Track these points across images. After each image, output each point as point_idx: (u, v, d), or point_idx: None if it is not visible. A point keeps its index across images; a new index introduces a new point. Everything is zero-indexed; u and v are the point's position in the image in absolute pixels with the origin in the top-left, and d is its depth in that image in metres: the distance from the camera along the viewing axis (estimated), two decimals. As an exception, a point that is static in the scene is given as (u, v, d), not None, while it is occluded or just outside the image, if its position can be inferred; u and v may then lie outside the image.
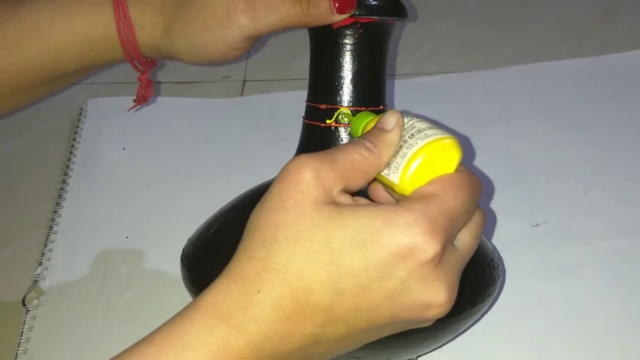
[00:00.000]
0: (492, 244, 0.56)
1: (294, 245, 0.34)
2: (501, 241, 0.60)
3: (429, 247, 0.33)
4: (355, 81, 0.48)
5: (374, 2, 0.46)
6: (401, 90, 0.75)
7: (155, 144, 0.73)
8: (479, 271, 0.48)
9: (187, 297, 0.50)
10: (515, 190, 0.65)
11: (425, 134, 0.36)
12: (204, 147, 0.72)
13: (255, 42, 0.49)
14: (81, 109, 0.77)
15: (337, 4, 0.45)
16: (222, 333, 0.34)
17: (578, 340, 0.55)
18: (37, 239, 0.66)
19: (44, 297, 0.61)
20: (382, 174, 0.37)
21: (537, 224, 0.62)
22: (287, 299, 0.34)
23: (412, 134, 0.37)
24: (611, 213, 0.62)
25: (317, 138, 0.49)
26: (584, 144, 0.68)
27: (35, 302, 0.61)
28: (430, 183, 0.36)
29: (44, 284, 0.62)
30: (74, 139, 0.74)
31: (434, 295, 0.34)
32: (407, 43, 0.79)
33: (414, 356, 0.53)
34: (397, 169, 0.36)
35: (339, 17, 0.46)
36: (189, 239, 0.52)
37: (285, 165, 0.35)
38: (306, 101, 0.50)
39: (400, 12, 0.48)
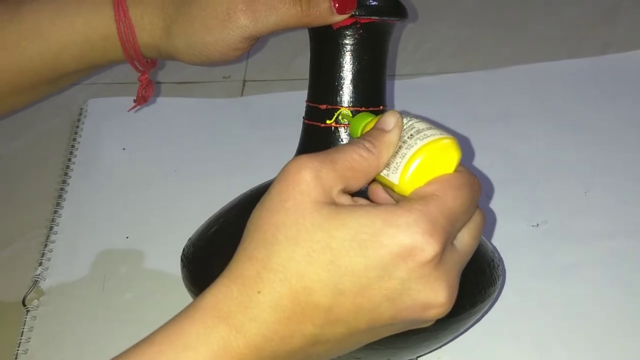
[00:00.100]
0: (492, 244, 0.56)
1: (294, 246, 0.34)
2: (501, 241, 0.60)
3: (429, 247, 0.33)
4: (355, 81, 0.48)
5: (374, 3, 0.46)
6: (401, 90, 0.75)
7: (155, 144, 0.73)
8: (479, 271, 0.48)
9: (187, 297, 0.50)
10: (515, 190, 0.65)
11: (424, 135, 0.36)
12: (204, 147, 0.72)
13: (256, 43, 0.49)
14: (81, 109, 0.77)
15: (337, 5, 0.45)
16: (222, 333, 0.34)
17: (578, 340, 0.55)
18: (37, 239, 0.66)
19: (44, 297, 0.61)
20: (382, 174, 0.37)
21: (537, 224, 0.62)
22: (287, 299, 0.34)
23: (411, 135, 0.37)
24: (611, 213, 0.62)
25: (317, 138, 0.49)
26: (584, 144, 0.68)
27: (35, 302, 0.61)
28: (429, 183, 0.36)
29: (44, 284, 0.62)
30: (74, 139, 0.74)
31: (434, 296, 0.34)
32: (407, 43, 0.79)
33: (414, 356, 0.53)
34: (397, 170, 0.36)
35: (339, 18, 0.46)
36: (189, 239, 0.52)
37: (285, 166, 0.35)
38: (306, 101, 0.50)
39: (400, 12, 0.48)
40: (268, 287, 0.34)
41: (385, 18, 0.47)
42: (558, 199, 0.64)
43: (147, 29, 0.48)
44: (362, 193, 0.38)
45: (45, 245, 0.65)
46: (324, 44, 0.48)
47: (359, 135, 0.40)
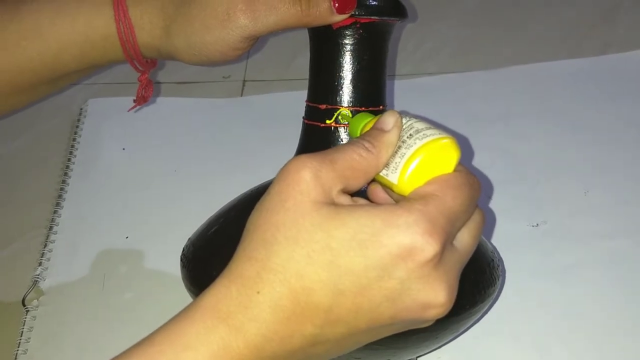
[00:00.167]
0: (492, 244, 0.56)
1: (293, 246, 0.34)
2: (501, 241, 0.60)
3: (429, 247, 0.33)
4: (355, 81, 0.48)
5: (374, 2, 0.46)
6: (401, 90, 0.75)
7: (155, 144, 0.73)
8: (479, 271, 0.48)
9: (187, 297, 0.50)
10: (515, 190, 0.65)
11: (423, 134, 0.36)
12: (204, 147, 0.72)
13: (255, 42, 0.49)
14: (81, 109, 0.77)
15: (337, 4, 0.45)
16: (222, 334, 0.34)
17: (578, 340, 0.55)
18: (37, 239, 0.66)
19: (43, 297, 0.61)
20: (381, 174, 0.37)
21: (537, 224, 0.62)
22: (287, 299, 0.34)
23: (410, 134, 0.37)
24: (611, 213, 0.62)
25: (317, 138, 0.49)
26: (584, 144, 0.68)
27: (35, 302, 0.61)
28: (429, 183, 0.36)
29: (44, 284, 0.62)
30: (74, 139, 0.74)
31: (434, 295, 0.34)
32: (407, 43, 0.79)
33: (414, 356, 0.53)
34: (396, 169, 0.36)
35: (339, 17, 0.46)
36: (189, 238, 0.52)
37: (285, 166, 0.35)
38: (306, 101, 0.50)
39: (400, 12, 0.48)
40: (268, 287, 0.34)
41: (385, 18, 0.47)
42: (558, 199, 0.64)
43: (147, 28, 0.48)
44: (361, 193, 0.38)
45: (45, 245, 0.65)
46: (323, 44, 0.48)
47: (358, 135, 0.40)
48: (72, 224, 0.66)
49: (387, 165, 0.37)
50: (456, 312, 0.45)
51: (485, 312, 0.53)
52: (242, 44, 0.48)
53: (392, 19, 0.48)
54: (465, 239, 0.37)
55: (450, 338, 0.51)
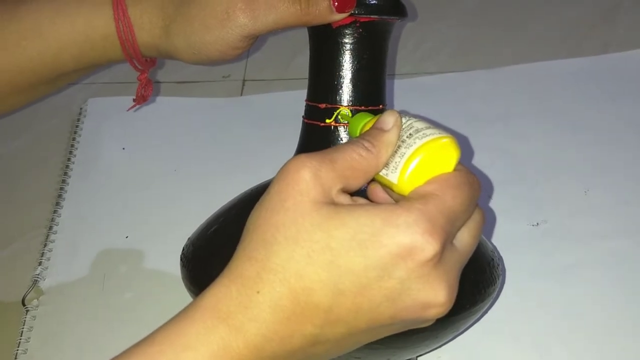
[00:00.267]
0: (492, 243, 0.56)
1: (293, 246, 0.34)
2: (501, 241, 0.60)
3: (429, 247, 0.33)
4: (354, 80, 0.48)
5: (374, 1, 0.46)
6: (401, 89, 0.74)
7: (155, 144, 0.73)
8: (479, 270, 0.48)
9: (187, 297, 0.50)
10: (515, 190, 0.65)
11: (423, 134, 0.36)
12: (204, 146, 0.72)
13: (255, 41, 0.49)
14: (81, 108, 0.77)
15: (336, 3, 0.45)
16: (222, 334, 0.34)
17: (578, 340, 0.55)
18: (37, 239, 0.66)
19: (43, 297, 0.61)
20: (381, 173, 0.37)
21: (537, 224, 0.62)
22: (287, 299, 0.34)
23: (410, 134, 0.37)
24: (611, 213, 0.62)
25: (316, 137, 0.48)
26: (584, 144, 0.68)
27: (35, 302, 0.61)
28: (428, 182, 0.36)
29: (43, 284, 0.62)
30: (74, 139, 0.74)
31: (434, 295, 0.34)
32: (407, 42, 0.79)
33: (414, 356, 0.53)
34: (396, 169, 0.36)
35: (339, 16, 0.46)
36: (189, 238, 0.52)
37: (284, 165, 0.35)
38: (306, 100, 0.50)
39: (399, 11, 0.48)
40: (268, 287, 0.34)
41: (385, 17, 0.47)
42: (558, 199, 0.64)
43: (146, 28, 0.48)
44: (361, 193, 0.38)
45: (45, 245, 0.65)
46: (323, 43, 0.48)
47: (357, 135, 0.40)
48: (72, 224, 0.66)
49: (386, 164, 0.37)
50: (456, 312, 0.45)
51: (485, 312, 0.53)
52: (242, 43, 0.48)
53: (391, 18, 0.48)
54: (465, 239, 0.37)
55: (450, 337, 0.51)
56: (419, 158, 0.36)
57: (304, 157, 0.35)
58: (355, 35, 0.47)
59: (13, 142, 0.75)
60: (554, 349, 0.54)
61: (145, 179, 0.69)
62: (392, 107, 0.69)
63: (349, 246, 0.33)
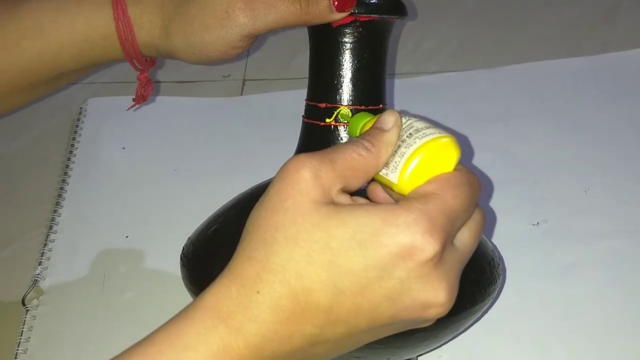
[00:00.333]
0: (492, 243, 0.56)
1: (293, 246, 0.34)
2: (501, 240, 0.60)
3: (429, 247, 0.33)
4: (354, 80, 0.48)
5: (374, 1, 0.46)
6: (401, 89, 0.74)
7: (155, 144, 0.73)
8: (480, 270, 0.48)
9: (187, 297, 0.50)
10: (515, 189, 0.65)
11: (423, 133, 0.36)
12: (204, 146, 0.72)
13: (255, 41, 0.49)
14: (81, 108, 0.77)
15: (336, 2, 0.45)
16: (221, 334, 0.34)
17: (578, 340, 0.55)
18: (37, 239, 0.66)
19: (43, 296, 0.61)
20: (381, 173, 0.37)
21: (538, 223, 0.62)
22: (287, 299, 0.34)
23: (410, 134, 0.37)
24: (611, 213, 0.62)
25: (316, 137, 0.48)
26: (584, 144, 0.68)
27: (35, 301, 0.61)
28: (428, 182, 0.36)
29: (43, 284, 0.62)
30: (74, 139, 0.74)
31: (434, 295, 0.34)
32: (407, 42, 0.79)
33: (414, 355, 0.53)
34: (396, 169, 0.36)
35: (338, 16, 0.46)
36: (189, 238, 0.52)
37: (284, 165, 0.35)
38: (306, 100, 0.50)
39: (400, 10, 0.48)
40: (267, 287, 0.34)
41: (385, 16, 0.47)
42: (558, 198, 0.64)
43: (146, 27, 0.48)
44: (361, 192, 0.38)
45: (45, 245, 0.65)
46: (323, 42, 0.48)
47: (357, 134, 0.40)
48: (72, 224, 0.66)
49: (386, 164, 0.37)
50: (456, 311, 0.45)
51: (486, 311, 0.53)
52: (242, 43, 0.48)
53: (391, 17, 0.47)
54: (465, 238, 0.37)
55: (451, 337, 0.50)
56: (419, 158, 0.36)
57: (303, 157, 0.35)
58: (355, 34, 0.47)
59: (13, 142, 0.75)
60: (554, 349, 0.54)
61: (145, 179, 0.69)
62: (392, 107, 0.69)
63: (348, 246, 0.33)
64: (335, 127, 0.48)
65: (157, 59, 0.53)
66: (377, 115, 0.38)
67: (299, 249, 0.34)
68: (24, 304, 0.61)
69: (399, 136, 0.37)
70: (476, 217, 0.37)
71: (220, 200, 0.53)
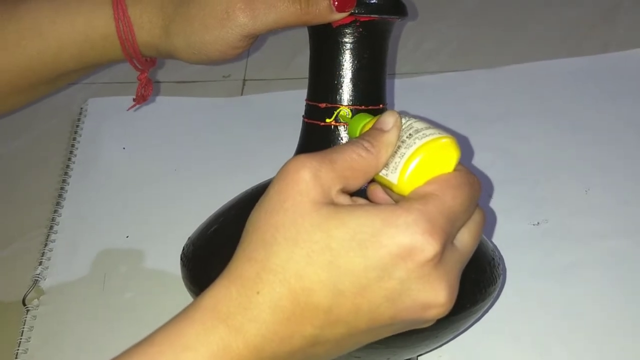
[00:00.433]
0: (492, 242, 0.56)
1: (293, 246, 0.34)
2: (501, 240, 0.60)
3: (429, 247, 0.33)
4: (355, 80, 0.48)
5: (374, 1, 0.46)
6: (401, 89, 0.74)
7: (155, 144, 0.73)
8: (480, 270, 0.48)
9: (187, 297, 0.50)
10: (516, 189, 0.65)
11: (423, 134, 0.36)
12: (204, 146, 0.72)
13: (255, 41, 0.49)
14: (81, 108, 0.77)
15: (336, 3, 0.45)
16: (221, 334, 0.34)
17: (578, 340, 0.55)
18: (37, 239, 0.66)
19: (44, 296, 0.61)
20: (381, 174, 0.37)
21: (538, 223, 0.62)
22: (287, 300, 0.34)
23: (410, 134, 0.37)
24: (611, 213, 0.62)
25: (316, 137, 0.48)
26: (584, 144, 0.68)
27: (35, 301, 0.61)
28: (428, 183, 0.36)
29: (44, 284, 0.62)
30: (74, 139, 0.74)
31: (434, 295, 0.34)
32: (407, 42, 0.79)
33: (414, 355, 0.53)
34: (396, 169, 0.36)
35: (339, 16, 0.46)
36: (189, 238, 0.52)
37: (284, 165, 0.35)
38: (306, 100, 0.50)
39: (400, 10, 0.48)
40: (267, 288, 0.34)
41: (385, 16, 0.47)
42: (558, 198, 0.64)
43: (146, 27, 0.48)
44: (361, 193, 0.38)
45: (45, 245, 0.65)
46: (323, 43, 0.48)
47: (357, 135, 0.40)
48: (72, 224, 0.66)
49: (386, 165, 0.37)
50: (457, 311, 0.45)
51: (486, 311, 0.53)
52: (242, 43, 0.48)
53: (392, 17, 0.48)
54: (465, 239, 0.37)
55: (451, 337, 0.51)
56: (418, 158, 0.36)
57: (303, 158, 0.35)
58: (356, 34, 0.47)
59: (13, 142, 0.75)
60: (554, 349, 0.54)
61: (145, 179, 0.69)
62: (392, 107, 0.69)
63: (348, 246, 0.33)
64: (336, 127, 0.48)
65: (157, 59, 0.53)
66: (377, 116, 0.39)
67: (298, 249, 0.34)
68: (24, 304, 0.61)
69: (399, 137, 0.37)
70: (476, 218, 0.37)
71: (220, 200, 0.53)
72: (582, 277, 0.58)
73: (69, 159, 0.72)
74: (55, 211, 0.67)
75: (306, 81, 0.50)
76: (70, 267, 0.63)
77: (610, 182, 0.64)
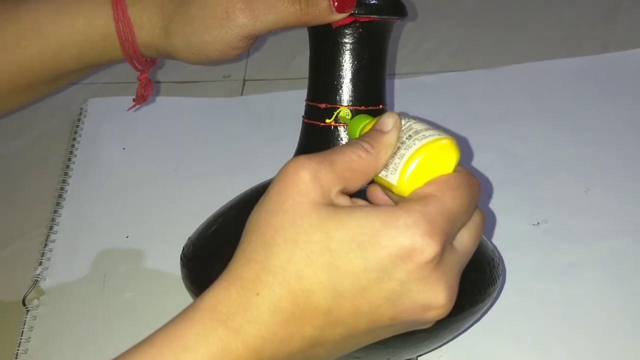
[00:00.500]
0: (492, 243, 0.56)
1: (292, 247, 0.34)
2: (501, 240, 0.60)
3: (428, 248, 0.33)
4: (354, 80, 0.48)
5: (374, 1, 0.46)
6: (401, 89, 0.74)
7: (155, 144, 0.73)
8: (480, 270, 0.48)
9: (187, 297, 0.50)
10: (515, 189, 0.65)
11: (423, 135, 0.36)
12: (204, 146, 0.72)
13: (255, 41, 0.49)
14: (81, 108, 0.77)
15: (336, 3, 0.45)
16: (221, 335, 0.34)
17: (578, 340, 0.55)
18: (37, 239, 0.66)
19: (44, 297, 0.61)
20: (380, 175, 0.37)
21: (538, 223, 0.62)
22: (287, 301, 0.34)
23: (409, 135, 0.37)
24: (611, 213, 0.62)
25: (316, 137, 0.48)
26: (583, 144, 0.68)
27: (35, 302, 0.61)
28: (428, 184, 0.36)
29: (44, 284, 0.62)
30: (74, 139, 0.74)
31: (434, 297, 0.34)
32: (407, 42, 0.79)
33: (414, 356, 0.53)
34: (395, 170, 0.36)
35: (338, 16, 0.46)
36: (189, 238, 0.52)
37: (284, 166, 0.35)
38: (306, 100, 0.50)
39: (400, 11, 0.48)
40: (267, 289, 0.34)
41: (385, 17, 0.47)
42: (558, 198, 0.64)
43: (146, 28, 0.48)
44: (361, 194, 0.38)
45: (45, 245, 0.65)
46: (323, 43, 0.48)
47: (357, 136, 0.40)
48: (72, 224, 0.66)
49: (386, 166, 0.37)
50: (456, 312, 0.45)
51: (486, 312, 0.53)
52: (242, 43, 0.48)
53: (391, 17, 0.48)
54: (465, 240, 0.37)
55: (451, 337, 0.51)
56: (418, 159, 0.36)
57: (303, 159, 0.35)
58: (355, 35, 0.47)
59: (13, 142, 0.75)
60: (554, 349, 0.54)
61: (145, 179, 0.69)
62: (392, 107, 0.69)
63: (348, 247, 0.33)
64: (335, 127, 0.48)
65: (157, 59, 0.53)
66: (377, 118, 0.39)
67: (298, 250, 0.34)
68: (24, 304, 0.61)
69: (399, 138, 0.37)
70: (476, 219, 0.37)
71: (220, 200, 0.53)
72: (582, 277, 0.58)
73: (69, 159, 0.72)
74: (55, 211, 0.67)
75: (306, 81, 0.50)
76: (70, 267, 0.63)
77: (610, 182, 0.64)
